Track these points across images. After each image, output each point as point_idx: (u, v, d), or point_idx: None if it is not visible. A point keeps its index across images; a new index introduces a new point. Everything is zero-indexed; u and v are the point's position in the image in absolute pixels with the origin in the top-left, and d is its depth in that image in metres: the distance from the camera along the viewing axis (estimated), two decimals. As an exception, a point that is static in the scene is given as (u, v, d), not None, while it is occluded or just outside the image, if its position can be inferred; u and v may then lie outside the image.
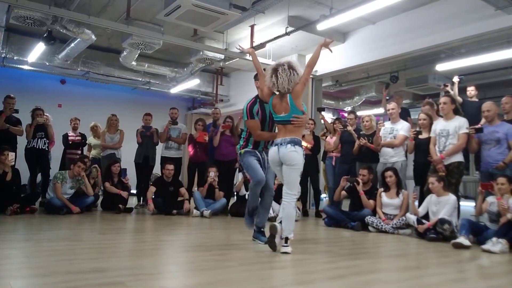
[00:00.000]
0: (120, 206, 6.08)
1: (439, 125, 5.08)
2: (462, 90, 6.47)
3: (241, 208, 6.32)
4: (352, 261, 3.35)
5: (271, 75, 3.46)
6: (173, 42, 7.40)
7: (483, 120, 5.12)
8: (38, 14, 6.36)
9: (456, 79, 6.31)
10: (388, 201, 5.15)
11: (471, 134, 4.89)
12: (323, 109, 7.36)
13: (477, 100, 6.29)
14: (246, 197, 6.39)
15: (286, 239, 3.34)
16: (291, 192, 3.44)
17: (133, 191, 7.26)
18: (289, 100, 3.46)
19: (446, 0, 6.36)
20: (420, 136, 5.31)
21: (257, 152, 3.83)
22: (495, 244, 3.86)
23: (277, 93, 3.53)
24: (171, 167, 6.33)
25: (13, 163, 5.45)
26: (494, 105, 5.01)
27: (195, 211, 6.05)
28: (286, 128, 3.48)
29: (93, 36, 7.49)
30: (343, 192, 5.59)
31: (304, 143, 6.56)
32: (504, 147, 4.75)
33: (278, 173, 3.57)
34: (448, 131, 4.91)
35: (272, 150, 3.49)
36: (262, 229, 3.88)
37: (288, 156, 3.40)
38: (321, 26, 6.35)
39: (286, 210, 3.41)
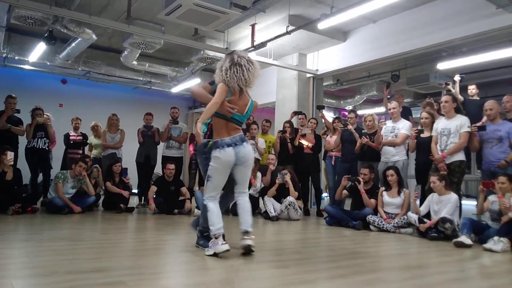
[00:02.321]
0: (121, 205, 6.08)
1: (440, 124, 5.07)
2: (463, 89, 6.47)
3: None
4: (353, 260, 3.35)
5: (237, 69, 3.15)
6: (174, 42, 7.39)
7: (484, 118, 5.11)
8: (39, 14, 6.37)
9: (457, 77, 6.31)
10: (390, 200, 5.14)
11: (473, 132, 4.88)
12: (323, 107, 7.35)
13: (478, 98, 6.28)
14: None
15: (247, 232, 3.16)
16: (246, 191, 3.34)
17: (134, 190, 7.27)
18: (250, 105, 3.32)
19: (447, -2, 6.35)
20: (421, 135, 5.31)
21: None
22: (497, 243, 3.86)
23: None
24: (172, 166, 6.33)
25: (12, 163, 5.45)
26: (497, 103, 5.00)
27: (196, 210, 6.04)
28: (228, 125, 3.25)
29: (94, 36, 7.49)
30: (344, 191, 5.58)
31: (305, 142, 6.62)
32: (506, 145, 4.75)
33: (223, 175, 3.22)
34: (450, 129, 4.90)
35: (228, 151, 3.16)
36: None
37: (250, 155, 3.27)
38: (322, 25, 6.34)
39: (245, 206, 3.27)
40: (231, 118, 3.24)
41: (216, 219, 3.17)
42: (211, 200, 3.25)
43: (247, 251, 3.14)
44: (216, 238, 3.11)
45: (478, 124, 4.93)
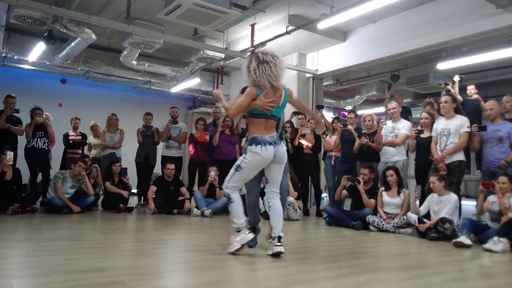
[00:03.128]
0: (121, 205, 6.08)
1: (440, 124, 5.08)
2: (463, 89, 6.47)
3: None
4: (353, 260, 3.35)
5: (264, 67, 3.16)
6: (174, 41, 7.40)
7: (474, 94, 5.38)
8: (38, 14, 6.35)
9: (457, 78, 6.31)
10: (389, 200, 5.14)
11: (473, 132, 4.88)
12: (322, 107, 7.35)
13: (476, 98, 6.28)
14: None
15: (279, 238, 3.18)
16: (278, 191, 3.36)
17: (134, 190, 7.26)
18: (285, 94, 3.32)
19: (447, -2, 6.36)
20: (421, 135, 5.31)
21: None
22: (496, 243, 3.86)
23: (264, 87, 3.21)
24: (171, 166, 6.32)
25: (11, 163, 5.44)
26: (497, 103, 5.01)
27: (195, 210, 6.05)
28: (268, 122, 3.26)
29: (93, 36, 7.48)
30: (344, 192, 5.58)
31: (304, 142, 6.61)
32: (507, 146, 4.75)
33: (254, 171, 3.27)
34: (449, 130, 4.91)
35: (270, 149, 3.16)
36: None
37: (285, 155, 3.32)
38: (321, 25, 6.34)
39: (278, 208, 3.32)
40: (270, 114, 3.24)
41: (240, 212, 3.24)
42: (233, 190, 3.26)
43: (277, 256, 3.16)
44: (239, 231, 3.18)
45: (474, 95, 4.93)
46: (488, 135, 4.88)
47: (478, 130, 4.87)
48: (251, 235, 3.12)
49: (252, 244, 3.42)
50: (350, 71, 8.96)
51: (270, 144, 3.19)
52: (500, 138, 4.79)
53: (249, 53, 7.57)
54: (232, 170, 3.27)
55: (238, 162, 3.25)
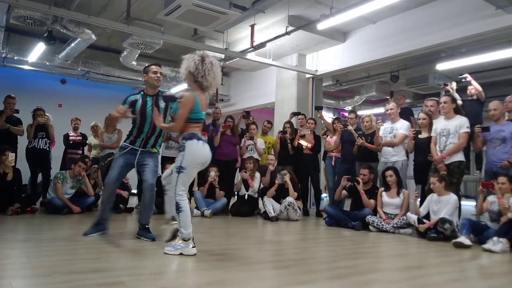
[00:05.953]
0: (121, 206, 6.08)
1: (440, 124, 5.08)
2: (463, 89, 6.47)
3: (241, 207, 6.33)
4: (352, 260, 3.35)
5: (209, 67, 3.22)
6: (173, 42, 7.39)
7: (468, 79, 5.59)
8: (38, 14, 6.35)
9: (454, 84, 6.31)
10: (389, 200, 5.15)
11: (476, 133, 4.89)
12: (321, 108, 7.35)
13: (476, 98, 6.28)
14: (246, 197, 6.45)
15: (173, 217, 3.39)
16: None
17: (134, 191, 7.26)
18: (208, 99, 3.41)
19: (446, -1, 6.36)
20: (419, 136, 5.31)
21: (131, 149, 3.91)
22: (496, 244, 3.87)
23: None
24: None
25: (13, 164, 5.45)
26: (501, 104, 5.02)
27: (195, 210, 6.05)
28: (200, 126, 3.32)
29: (93, 36, 7.48)
30: (344, 192, 5.58)
31: (304, 143, 6.62)
32: (510, 146, 4.76)
33: (196, 171, 3.38)
34: (449, 130, 4.91)
35: (207, 148, 3.25)
36: (146, 226, 3.95)
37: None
38: (321, 26, 6.35)
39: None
40: (201, 119, 3.34)
41: (189, 222, 3.23)
42: (184, 197, 3.24)
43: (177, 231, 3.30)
44: (186, 240, 3.16)
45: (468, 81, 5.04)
46: (491, 135, 4.88)
47: (482, 130, 4.87)
48: (194, 251, 3.14)
49: (104, 231, 4.04)
50: (350, 71, 8.95)
51: (204, 142, 3.25)
52: (503, 138, 4.79)
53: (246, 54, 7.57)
54: (175, 174, 3.18)
55: (177, 163, 3.17)
